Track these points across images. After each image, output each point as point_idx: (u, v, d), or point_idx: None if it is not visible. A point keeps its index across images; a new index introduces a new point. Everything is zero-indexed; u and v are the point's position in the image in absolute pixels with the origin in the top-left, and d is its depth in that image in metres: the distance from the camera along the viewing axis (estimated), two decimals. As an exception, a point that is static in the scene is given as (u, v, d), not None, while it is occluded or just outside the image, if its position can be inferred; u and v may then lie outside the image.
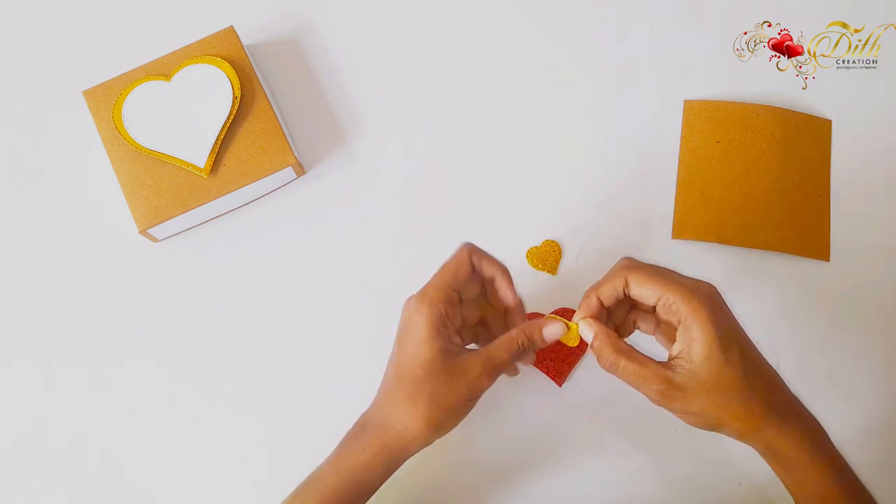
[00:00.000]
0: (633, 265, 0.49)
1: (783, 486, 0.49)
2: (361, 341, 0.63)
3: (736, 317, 0.47)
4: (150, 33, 0.72)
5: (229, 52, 0.67)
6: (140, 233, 0.64)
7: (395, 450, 0.48)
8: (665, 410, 0.48)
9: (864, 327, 0.64)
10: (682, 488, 0.60)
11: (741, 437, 0.47)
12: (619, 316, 0.52)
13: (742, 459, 0.60)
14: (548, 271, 0.65)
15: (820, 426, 0.48)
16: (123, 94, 0.65)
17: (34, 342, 0.65)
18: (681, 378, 0.45)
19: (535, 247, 0.65)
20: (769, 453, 0.48)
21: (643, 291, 0.47)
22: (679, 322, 0.46)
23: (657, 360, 0.47)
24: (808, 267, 0.65)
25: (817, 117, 0.69)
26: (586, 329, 0.49)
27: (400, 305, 0.58)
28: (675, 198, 0.67)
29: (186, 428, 0.62)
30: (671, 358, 0.47)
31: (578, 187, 0.68)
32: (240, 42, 0.68)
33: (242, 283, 0.66)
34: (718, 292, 0.47)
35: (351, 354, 0.63)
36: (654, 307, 0.48)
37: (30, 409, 0.63)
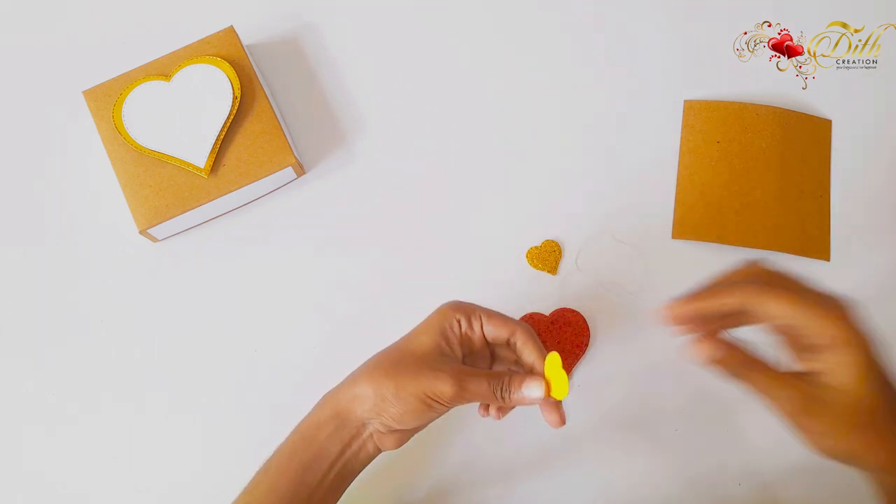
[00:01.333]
0: (761, 289, 0.42)
1: None
2: (361, 341, 0.63)
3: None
4: (150, 33, 0.72)
5: (229, 52, 0.67)
6: (140, 233, 0.64)
7: (341, 409, 0.48)
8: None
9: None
10: (681, 488, 0.60)
11: (879, 472, 0.43)
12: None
13: (742, 459, 0.60)
14: (548, 271, 0.65)
15: None
16: (123, 94, 0.65)
17: (34, 342, 0.65)
18: (823, 393, 0.41)
19: (535, 247, 0.65)
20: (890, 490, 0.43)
21: (776, 312, 0.42)
22: (823, 347, 0.41)
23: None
24: (808, 267, 0.65)
25: (817, 117, 0.69)
26: (706, 352, 0.42)
27: (400, 305, 0.58)
28: (675, 198, 0.67)
29: (186, 428, 0.62)
30: (807, 372, 0.42)
31: (578, 187, 0.68)
32: (240, 42, 0.68)
33: (242, 283, 0.66)
34: (850, 308, 0.43)
35: (351, 354, 0.63)
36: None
37: (29, 408, 0.63)
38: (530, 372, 0.48)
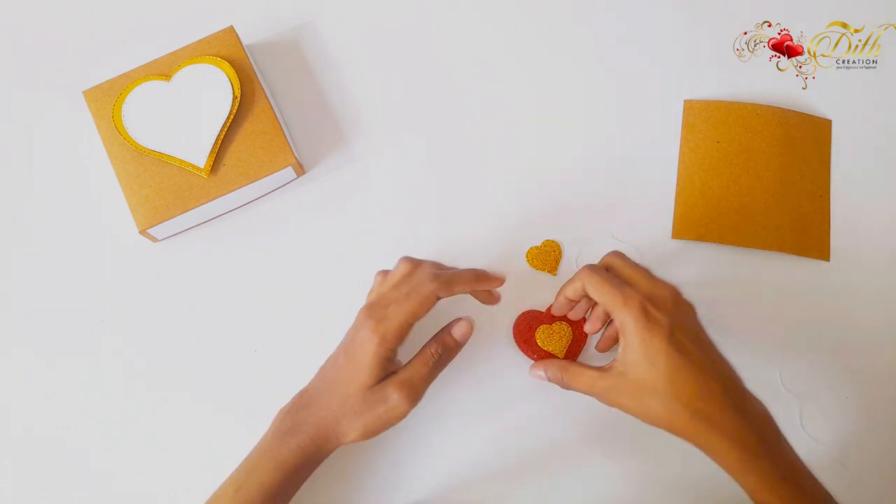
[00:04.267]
0: (590, 269, 0.53)
1: None
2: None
3: (693, 321, 0.51)
4: (150, 33, 0.72)
5: (229, 52, 0.67)
6: (140, 233, 0.64)
7: (326, 446, 0.53)
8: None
9: (864, 327, 0.64)
10: (681, 488, 0.60)
11: (685, 439, 0.49)
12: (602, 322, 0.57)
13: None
14: (548, 271, 0.65)
15: (768, 431, 0.49)
16: (123, 94, 0.65)
17: (34, 342, 0.65)
18: (613, 379, 0.50)
19: (535, 247, 0.65)
20: (718, 462, 0.49)
21: (593, 294, 0.52)
22: (618, 331, 0.51)
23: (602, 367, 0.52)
24: (808, 267, 0.65)
25: (817, 117, 0.69)
26: (537, 372, 0.57)
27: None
28: (675, 198, 0.67)
29: (187, 427, 0.62)
30: (612, 362, 0.51)
31: (578, 187, 0.68)
32: (240, 42, 0.68)
33: (242, 283, 0.66)
34: (662, 299, 0.50)
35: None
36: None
37: (29, 408, 0.63)
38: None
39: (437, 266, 0.55)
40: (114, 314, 0.65)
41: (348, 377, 0.52)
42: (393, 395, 0.51)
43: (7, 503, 0.61)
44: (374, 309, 0.52)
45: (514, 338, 0.62)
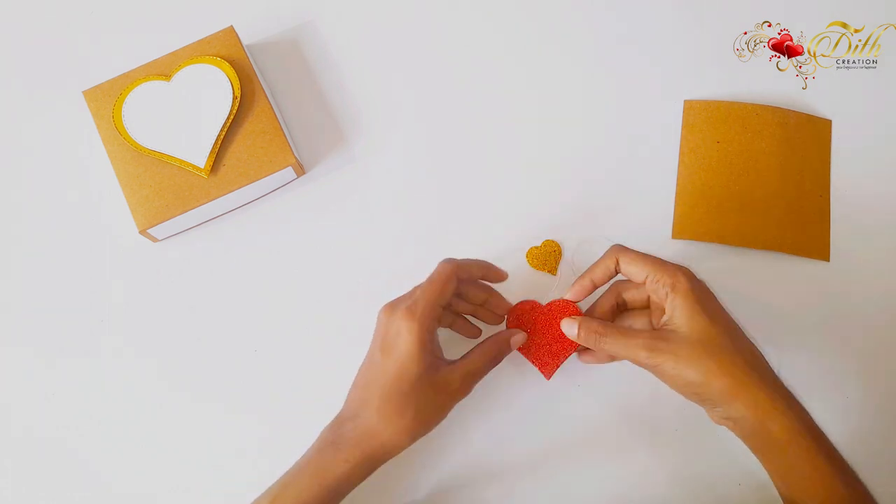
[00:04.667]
0: (623, 248, 0.54)
1: (767, 471, 0.50)
2: (361, 341, 0.63)
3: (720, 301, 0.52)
4: (150, 33, 0.72)
5: (229, 52, 0.67)
6: (140, 233, 0.64)
7: (377, 458, 0.51)
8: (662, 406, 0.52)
9: (864, 327, 0.64)
10: (681, 488, 0.60)
11: (728, 398, 0.48)
12: (606, 313, 0.57)
13: (742, 459, 0.60)
14: (548, 271, 0.65)
15: (807, 411, 0.49)
16: (123, 94, 0.65)
17: (34, 342, 0.65)
18: (665, 335, 0.50)
19: (535, 247, 0.65)
20: (758, 430, 0.48)
21: (632, 269, 0.52)
22: (665, 296, 0.50)
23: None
24: (808, 267, 0.65)
25: (817, 117, 0.69)
26: (569, 323, 0.55)
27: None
28: (675, 198, 0.67)
29: (186, 427, 0.62)
30: (659, 327, 0.51)
31: (579, 187, 0.68)
32: (240, 42, 0.68)
33: (242, 283, 0.66)
34: (690, 271, 0.52)
35: (350, 354, 0.63)
36: (644, 294, 0.55)
37: (29, 408, 0.63)
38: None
39: None
40: (114, 314, 0.65)
41: (393, 374, 0.50)
42: (455, 382, 0.51)
43: (7, 503, 0.61)
44: (397, 301, 0.52)
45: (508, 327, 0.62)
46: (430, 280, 0.53)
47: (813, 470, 0.47)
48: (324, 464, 0.50)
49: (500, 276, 0.58)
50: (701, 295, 0.50)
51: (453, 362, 0.53)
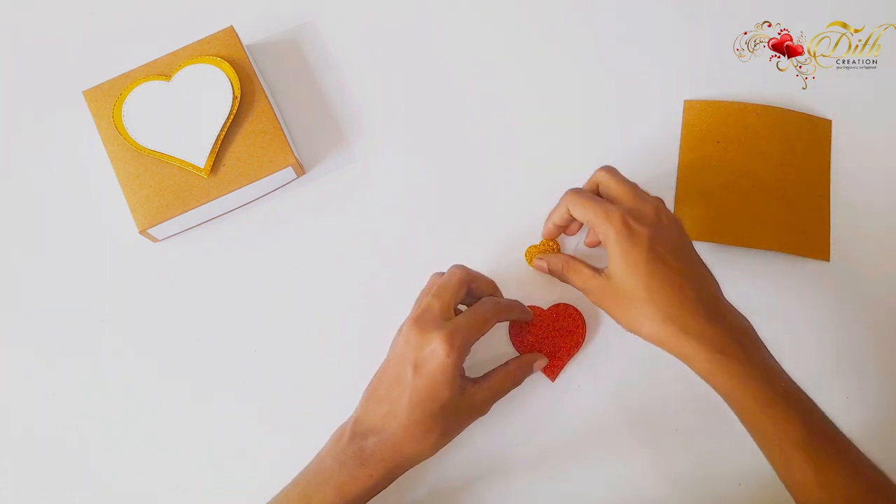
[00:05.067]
0: (574, 192, 0.56)
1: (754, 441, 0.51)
2: (361, 341, 0.63)
3: (675, 234, 0.53)
4: (150, 33, 0.72)
5: (229, 52, 0.67)
6: (140, 233, 0.64)
7: (400, 470, 0.52)
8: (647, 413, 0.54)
9: (864, 327, 0.64)
10: (681, 488, 0.60)
11: (659, 345, 0.51)
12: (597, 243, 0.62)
13: (742, 459, 0.60)
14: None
15: (745, 339, 0.50)
16: (123, 94, 0.65)
17: (34, 342, 0.65)
18: (602, 281, 0.53)
19: (534, 246, 0.65)
20: (691, 366, 0.51)
21: (577, 214, 0.55)
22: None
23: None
24: (808, 267, 0.65)
25: (817, 117, 0.69)
26: (539, 262, 0.60)
27: (400, 305, 0.58)
28: (675, 198, 0.67)
29: (186, 427, 0.62)
30: (604, 267, 0.54)
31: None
32: (240, 42, 0.68)
33: (242, 283, 0.66)
34: (650, 211, 0.53)
35: (351, 354, 0.63)
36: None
37: (29, 408, 0.63)
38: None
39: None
40: (114, 314, 0.65)
41: (425, 395, 0.50)
42: (480, 402, 0.54)
43: (7, 503, 0.61)
44: (426, 317, 0.52)
45: (510, 335, 0.62)
46: (476, 312, 0.54)
47: (765, 406, 0.49)
48: (349, 479, 0.50)
49: (525, 317, 0.61)
50: (622, 246, 0.51)
51: (477, 381, 0.54)
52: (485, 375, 0.56)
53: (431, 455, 0.52)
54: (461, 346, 0.51)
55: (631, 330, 0.52)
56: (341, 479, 0.50)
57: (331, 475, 0.51)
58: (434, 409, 0.50)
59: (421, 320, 0.52)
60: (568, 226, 0.60)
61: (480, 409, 0.54)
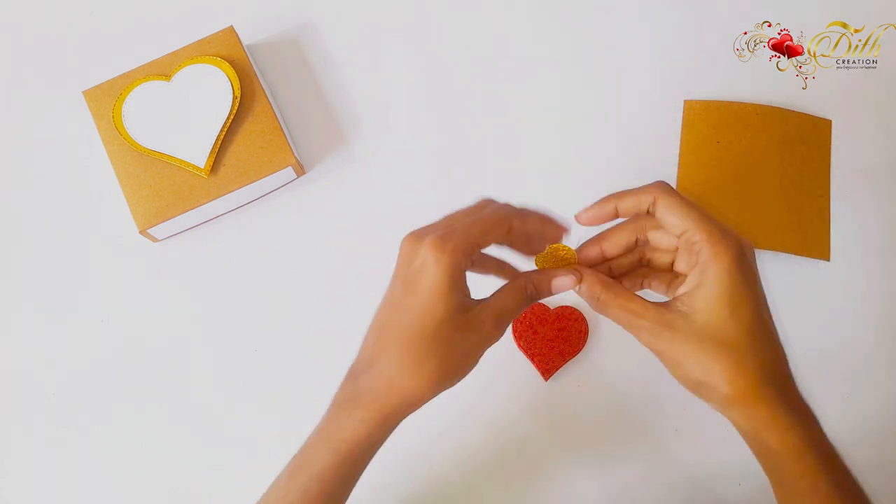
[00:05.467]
0: (668, 188, 0.43)
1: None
2: (361, 341, 0.63)
3: (763, 287, 0.43)
4: (150, 33, 0.72)
5: (229, 51, 0.67)
6: (140, 233, 0.64)
7: (397, 414, 0.43)
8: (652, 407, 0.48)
9: (864, 327, 0.64)
10: (681, 488, 0.60)
11: (726, 404, 0.42)
12: (623, 265, 0.47)
13: (742, 459, 0.59)
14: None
15: (819, 427, 0.44)
16: (123, 94, 0.65)
17: (34, 342, 0.65)
18: (673, 318, 0.42)
19: (541, 255, 0.65)
20: (754, 439, 0.43)
21: (670, 218, 0.42)
22: (696, 264, 0.42)
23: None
24: (808, 267, 0.65)
25: (817, 117, 0.69)
26: (563, 280, 0.45)
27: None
28: (675, 198, 0.67)
29: (186, 427, 0.62)
30: (672, 298, 0.43)
31: (578, 187, 0.68)
32: (240, 42, 0.68)
33: (242, 283, 0.66)
34: (751, 249, 0.43)
35: (351, 354, 0.63)
36: (673, 248, 0.45)
37: (28, 408, 0.63)
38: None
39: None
40: (114, 314, 0.65)
41: (416, 314, 0.42)
42: (487, 323, 0.43)
43: (7, 503, 0.61)
44: (424, 229, 0.44)
45: (513, 334, 0.62)
46: (471, 213, 0.44)
47: (811, 490, 0.42)
48: (338, 427, 0.43)
49: (558, 231, 0.47)
50: (736, 279, 0.40)
51: (483, 301, 0.44)
52: (493, 294, 0.45)
53: (431, 394, 0.42)
54: (454, 251, 0.41)
55: (698, 377, 0.42)
56: (332, 430, 0.44)
57: (322, 428, 0.44)
58: (427, 331, 0.41)
59: (417, 231, 0.44)
60: (625, 217, 0.47)
61: (489, 333, 0.43)
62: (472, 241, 0.42)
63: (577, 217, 0.46)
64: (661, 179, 0.45)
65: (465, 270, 0.43)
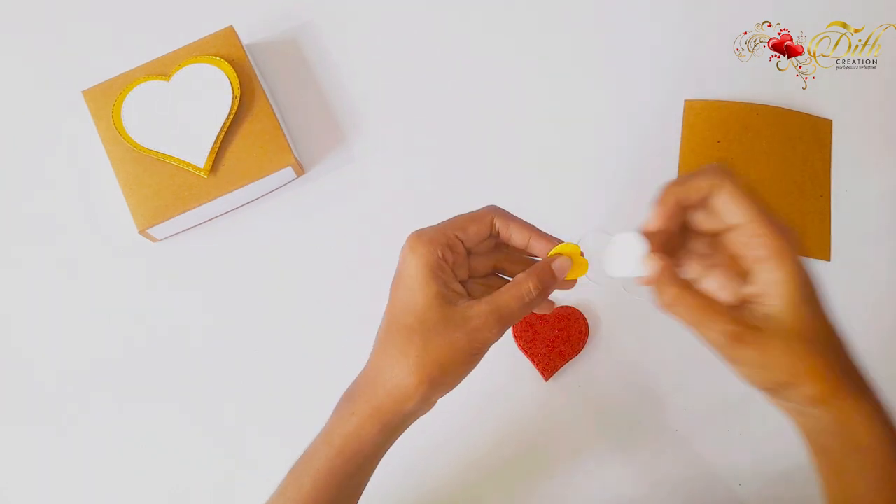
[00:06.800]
0: (731, 174, 0.40)
1: (822, 473, 0.43)
2: (361, 341, 0.63)
3: None
4: (150, 33, 0.72)
5: (229, 51, 0.67)
6: (140, 233, 0.64)
7: (386, 412, 0.42)
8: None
9: (864, 327, 0.64)
10: (681, 488, 0.60)
11: (815, 402, 0.40)
12: (666, 238, 0.43)
13: (742, 459, 0.60)
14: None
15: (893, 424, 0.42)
16: (123, 93, 0.65)
17: (33, 342, 0.65)
18: (757, 320, 0.39)
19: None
20: (836, 432, 0.41)
21: (732, 208, 0.40)
22: (759, 260, 0.39)
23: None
24: (807, 267, 0.65)
25: (817, 117, 0.69)
26: (653, 261, 0.41)
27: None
28: (675, 198, 0.67)
29: (187, 427, 0.62)
30: (742, 299, 0.40)
31: (578, 187, 0.68)
32: (239, 42, 0.67)
33: (242, 283, 0.66)
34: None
35: (351, 354, 0.63)
36: (721, 234, 0.42)
37: (28, 408, 0.63)
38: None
39: None
40: (113, 314, 0.65)
41: (399, 306, 0.42)
42: (477, 316, 0.41)
43: (7, 503, 0.61)
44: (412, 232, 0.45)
45: (514, 335, 0.62)
46: (457, 216, 0.45)
47: (884, 478, 0.41)
48: (335, 421, 0.44)
49: (545, 244, 0.47)
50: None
51: (481, 299, 0.43)
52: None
53: (419, 390, 0.41)
54: (430, 242, 0.42)
55: (783, 384, 0.40)
56: (329, 422, 0.44)
57: (327, 427, 0.44)
58: (409, 321, 0.41)
59: (408, 236, 0.45)
60: (685, 209, 0.43)
61: (477, 329, 0.41)
62: (448, 234, 0.43)
63: (645, 231, 0.43)
64: (724, 170, 0.41)
65: (447, 262, 0.43)
